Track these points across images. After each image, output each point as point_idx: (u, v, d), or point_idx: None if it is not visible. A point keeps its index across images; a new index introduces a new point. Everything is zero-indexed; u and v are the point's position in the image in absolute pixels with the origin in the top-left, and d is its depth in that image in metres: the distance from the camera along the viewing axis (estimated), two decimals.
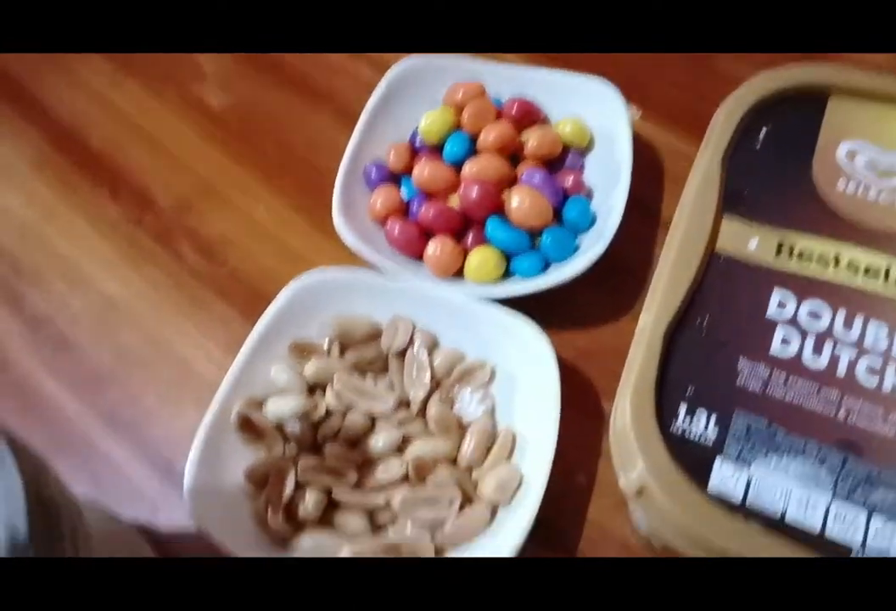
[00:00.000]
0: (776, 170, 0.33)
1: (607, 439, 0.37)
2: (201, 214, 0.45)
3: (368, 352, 0.37)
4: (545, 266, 0.39)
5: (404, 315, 0.38)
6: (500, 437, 0.35)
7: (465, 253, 0.39)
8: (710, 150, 0.34)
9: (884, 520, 0.25)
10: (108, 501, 0.36)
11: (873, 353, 0.28)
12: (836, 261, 0.30)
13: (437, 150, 0.43)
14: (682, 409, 0.28)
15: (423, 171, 0.41)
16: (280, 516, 0.32)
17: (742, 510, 0.25)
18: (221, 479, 0.33)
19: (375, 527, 0.33)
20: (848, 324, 0.29)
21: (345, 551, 0.31)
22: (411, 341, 0.37)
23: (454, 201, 0.41)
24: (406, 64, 0.45)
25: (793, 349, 0.29)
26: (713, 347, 0.29)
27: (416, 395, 0.36)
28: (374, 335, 0.38)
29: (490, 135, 0.41)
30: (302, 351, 0.37)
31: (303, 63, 0.51)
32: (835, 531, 0.25)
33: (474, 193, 0.39)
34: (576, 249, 0.39)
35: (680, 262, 0.31)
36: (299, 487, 0.33)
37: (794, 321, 0.29)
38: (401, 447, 0.35)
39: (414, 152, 0.43)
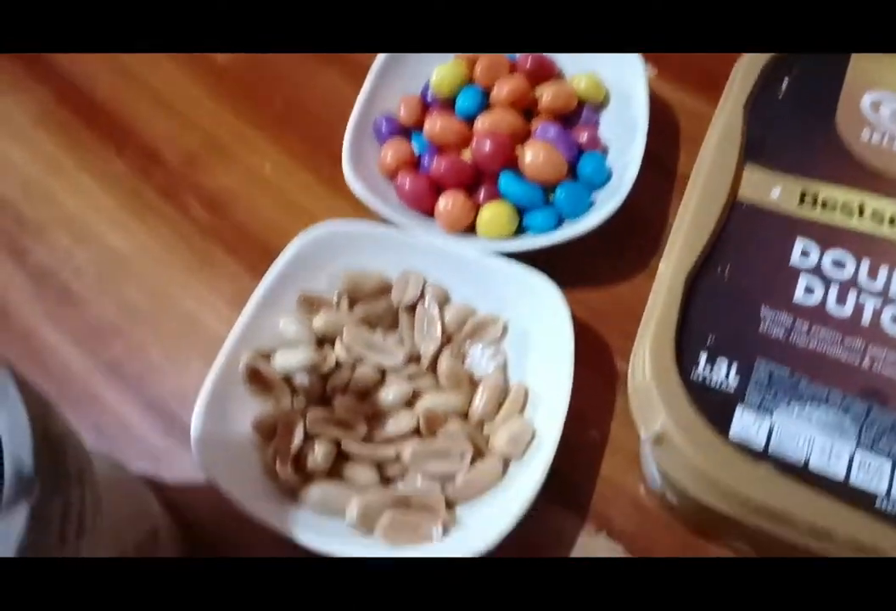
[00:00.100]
0: (799, 120, 0.32)
1: (621, 398, 0.36)
2: (208, 169, 0.44)
3: (378, 306, 0.36)
4: (559, 222, 0.38)
5: (415, 269, 0.37)
6: (511, 391, 0.34)
7: (477, 208, 0.39)
8: (731, 99, 0.33)
9: None
10: (112, 452, 0.35)
11: None
12: (861, 210, 0.30)
13: (449, 104, 0.41)
14: (703, 357, 0.27)
15: (435, 124, 0.40)
16: (289, 466, 0.32)
17: (764, 457, 0.25)
18: (229, 429, 0.33)
19: (385, 480, 0.33)
20: (873, 273, 0.28)
21: (354, 503, 0.31)
22: (422, 296, 0.37)
23: (466, 156, 0.40)
24: None
25: (816, 298, 0.28)
26: (735, 295, 0.28)
27: (427, 349, 0.35)
28: (384, 289, 0.37)
29: (503, 89, 0.40)
30: (311, 304, 0.36)
31: None
32: (859, 479, 0.24)
33: (487, 146, 0.38)
34: (590, 204, 0.39)
35: (701, 209, 0.30)
36: (308, 438, 0.32)
37: (817, 270, 0.28)
38: (410, 401, 0.34)
39: (425, 106, 0.42)
